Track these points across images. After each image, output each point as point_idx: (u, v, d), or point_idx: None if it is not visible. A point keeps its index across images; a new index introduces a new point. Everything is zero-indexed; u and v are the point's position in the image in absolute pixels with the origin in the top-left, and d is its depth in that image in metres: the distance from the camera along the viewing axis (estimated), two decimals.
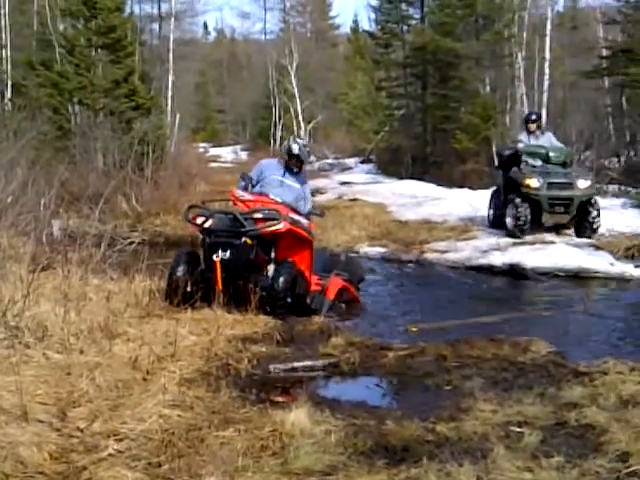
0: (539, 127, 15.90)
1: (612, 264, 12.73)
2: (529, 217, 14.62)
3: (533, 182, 14.65)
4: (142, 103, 23.00)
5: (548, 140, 15.64)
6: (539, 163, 15.00)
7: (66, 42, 22.80)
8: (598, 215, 14.70)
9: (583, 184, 14.80)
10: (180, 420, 5.39)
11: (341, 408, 5.88)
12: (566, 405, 5.87)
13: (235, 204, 9.37)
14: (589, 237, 14.48)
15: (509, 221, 14.92)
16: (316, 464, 4.78)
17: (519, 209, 14.58)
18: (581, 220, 14.81)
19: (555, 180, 14.72)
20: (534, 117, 16.17)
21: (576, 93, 30.67)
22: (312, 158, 9.52)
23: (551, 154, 15.07)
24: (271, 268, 8.97)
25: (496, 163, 17.22)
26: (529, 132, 15.67)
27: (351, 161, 39.27)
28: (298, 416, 5.37)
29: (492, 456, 4.87)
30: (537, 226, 14.86)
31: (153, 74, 29.76)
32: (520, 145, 15.44)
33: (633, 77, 24.83)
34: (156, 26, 34.35)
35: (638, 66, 24.33)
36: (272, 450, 5.00)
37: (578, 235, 14.76)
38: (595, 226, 14.68)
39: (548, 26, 27.21)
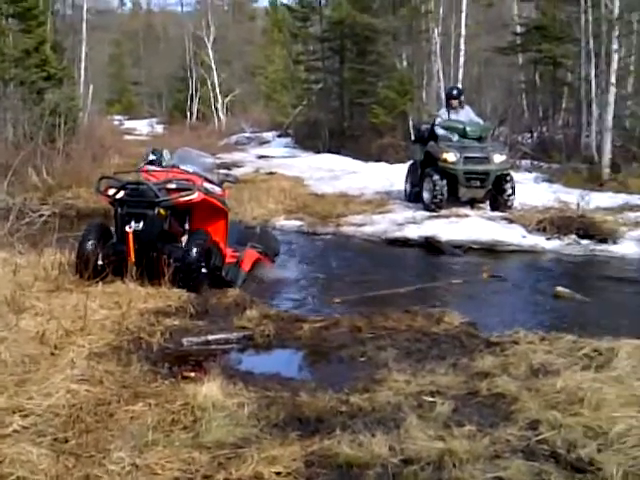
0: (460, 102, 16.00)
1: (524, 237, 12.97)
2: (446, 191, 14.74)
3: (450, 156, 14.74)
4: (54, 73, 22.42)
5: (467, 115, 15.77)
6: (456, 138, 15.10)
7: None
8: (513, 189, 14.91)
9: (499, 158, 14.96)
10: (89, 395, 5.29)
11: (254, 381, 5.85)
12: (478, 375, 5.94)
13: (146, 177, 9.18)
14: (504, 211, 14.63)
15: (426, 195, 15.03)
16: (228, 437, 4.74)
17: (436, 183, 14.68)
18: (496, 194, 14.97)
19: (471, 154, 14.84)
20: (455, 93, 16.21)
21: (491, 69, 31.01)
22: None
23: (468, 129, 15.17)
24: (185, 239, 8.86)
25: (413, 137, 17.27)
26: (451, 107, 15.76)
27: (269, 135, 39.08)
28: (210, 389, 5.31)
29: (405, 426, 4.90)
30: (453, 200, 14.95)
31: (66, 44, 29.08)
32: (438, 120, 15.57)
33: (546, 54, 25.21)
34: None
35: (551, 43, 24.69)
36: (183, 424, 4.94)
37: (493, 209, 14.93)
38: (510, 200, 14.88)
39: (464, 2, 27.31)
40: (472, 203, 15.10)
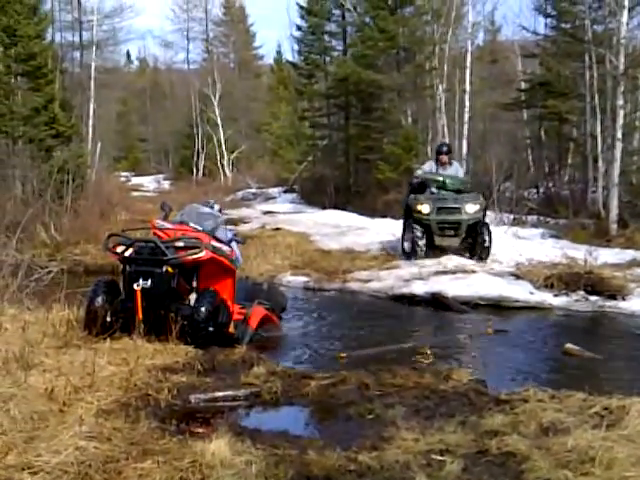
0: (450, 158, 16.51)
1: (532, 293, 12.91)
2: (424, 240, 15.26)
3: (424, 208, 15.39)
4: (62, 131, 22.66)
5: (455, 170, 16.36)
6: (435, 189, 15.79)
7: None
8: (489, 238, 15.28)
9: (471, 208, 15.43)
10: (97, 452, 5.26)
11: (262, 438, 5.81)
12: (487, 433, 5.88)
13: (155, 234, 9.23)
14: (482, 259, 15.04)
15: (406, 244, 15.83)
16: None
17: (414, 233, 15.25)
18: (473, 242, 15.41)
19: (444, 205, 15.43)
20: (445, 149, 16.64)
21: (496, 125, 31.20)
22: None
23: (447, 181, 15.78)
24: (193, 297, 8.84)
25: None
26: (441, 163, 16.20)
27: (274, 191, 39.31)
28: (218, 446, 5.28)
29: None
30: (432, 249, 15.33)
31: (74, 102, 29.42)
32: (418, 172, 16.45)
33: (551, 109, 25.43)
34: (78, 54, 34.10)
35: (556, 98, 24.90)
36: None
37: (472, 257, 15.24)
38: (486, 249, 15.24)
39: (468, 59, 27.63)
40: (472, 254, 15.30)
